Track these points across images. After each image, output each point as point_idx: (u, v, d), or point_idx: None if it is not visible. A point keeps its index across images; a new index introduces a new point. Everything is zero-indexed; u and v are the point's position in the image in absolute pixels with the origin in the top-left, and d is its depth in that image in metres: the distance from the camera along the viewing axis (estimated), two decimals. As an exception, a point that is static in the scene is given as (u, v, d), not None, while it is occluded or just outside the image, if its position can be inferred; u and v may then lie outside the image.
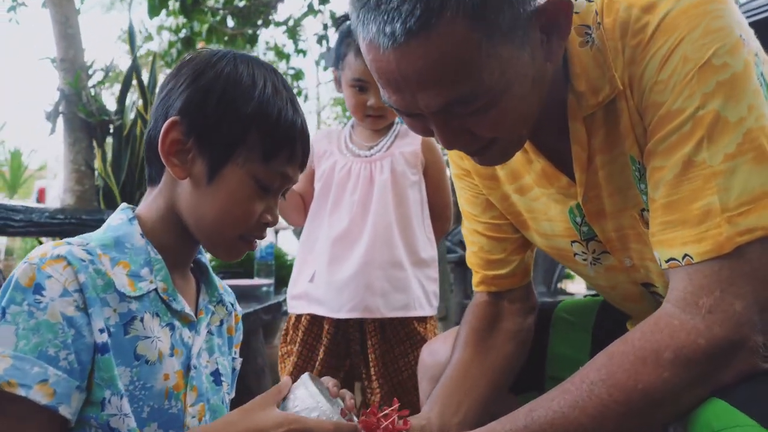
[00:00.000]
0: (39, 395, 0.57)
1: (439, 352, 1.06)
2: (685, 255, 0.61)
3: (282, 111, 0.72)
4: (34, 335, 0.58)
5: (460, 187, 0.99)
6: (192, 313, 0.76)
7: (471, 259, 1.01)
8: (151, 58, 3.71)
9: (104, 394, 0.63)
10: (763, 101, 0.62)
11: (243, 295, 2.45)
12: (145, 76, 3.16)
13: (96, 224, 2.28)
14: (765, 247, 0.59)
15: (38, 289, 0.60)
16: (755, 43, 0.66)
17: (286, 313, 3.63)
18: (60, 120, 2.77)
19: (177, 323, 0.73)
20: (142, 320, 0.68)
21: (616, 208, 0.77)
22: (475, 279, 1.01)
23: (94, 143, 2.88)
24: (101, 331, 0.63)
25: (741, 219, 0.59)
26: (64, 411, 0.59)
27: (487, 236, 0.97)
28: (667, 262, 0.64)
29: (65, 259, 0.62)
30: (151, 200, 0.76)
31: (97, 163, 2.87)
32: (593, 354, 0.99)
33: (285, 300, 2.76)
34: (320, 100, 12.68)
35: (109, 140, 2.98)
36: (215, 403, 0.78)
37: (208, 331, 0.80)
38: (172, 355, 0.71)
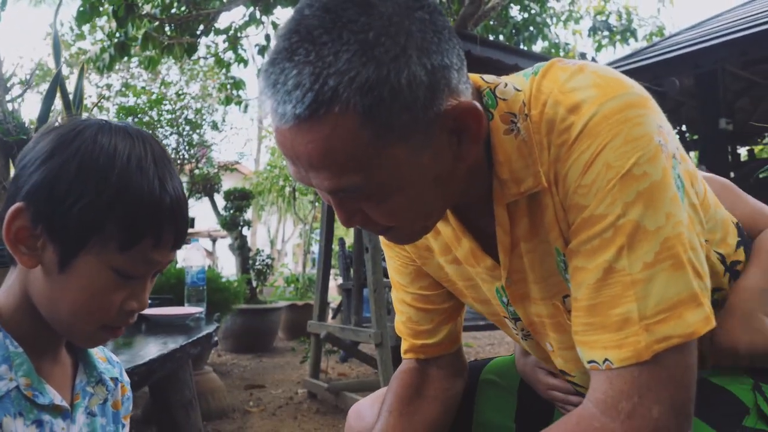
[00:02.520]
0: None
1: (366, 416, 1.02)
2: (606, 359, 0.63)
3: (145, 193, 0.65)
4: None
5: (389, 256, 0.95)
6: (64, 403, 0.68)
7: (399, 327, 0.98)
8: (82, 57, 3.53)
9: None
10: (680, 207, 0.64)
11: (170, 326, 2.34)
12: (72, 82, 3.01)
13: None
14: (680, 354, 0.61)
15: None
16: (674, 143, 0.68)
17: (216, 343, 3.53)
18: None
19: (46, 417, 0.66)
20: (0, 425, 0.61)
21: (539, 296, 0.77)
22: (404, 346, 0.98)
23: (11, 162, 2.71)
24: None
25: (658, 327, 0.60)
26: None
27: (416, 307, 0.94)
28: (588, 363, 0.65)
29: None
30: (8, 287, 0.69)
31: (12, 184, 2.70)
32: (519, 418, 0.98)
33: (217, 329, 2.67)
34: (262, 108, 12.54)
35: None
36: None
37: (88, 413, 0.73)
38: None
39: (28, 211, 0.64)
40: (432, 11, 0.62)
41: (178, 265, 3.64)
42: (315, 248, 10.16)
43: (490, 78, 0.73)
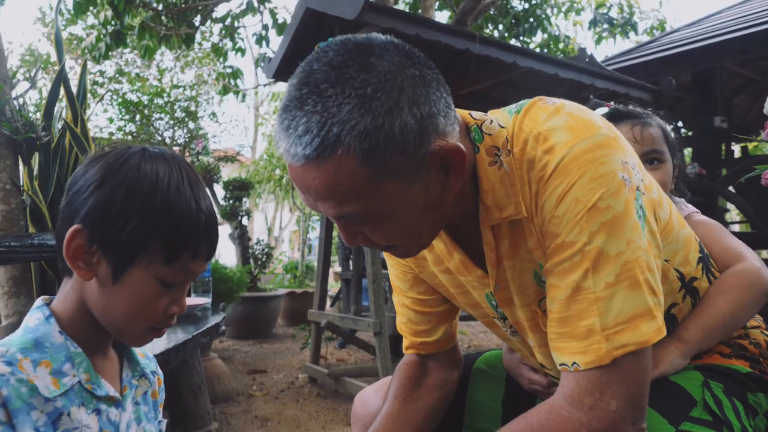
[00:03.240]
0: None
1: (371, 403, 1.14)
2: (574, 363, 0.74)
3: (184, 214, 0.75)
4: None
5: (391, 264, 1.06)
6: (116, 394, 0.80)
7: (400, 327, 1.10)
8: (75, 43, 3.57)
9: None
10: (640, 234, 0.74)
11: (180, 317, 2.44)
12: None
13: (24, 251, 2.23)
14: (636, 358, 0.72)
15: None
16: (639, 176, 0.78)
17: (224, 332, 3.64)
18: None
19: (103, 406, 0.77)
20: (69, 414, 0.72)
21: (519, 303, 0.88)
22: (405, 343, 1.10)
23: (20, 160, 2.78)
24: None
25: (617, 336, 0.71)
26: None
27: (414, 310, 1.06)
28: (560, 365, 0.77)
29: None
30: (64, 295, 0.79)
31: (23, 180, 2.78)
32: (506, 402, 1.10)
33: (224, 319, 2.78)
34: (258, 95, 12.51)
35: (36, 155, 2.88)
36: None
37: (135, 403, 0.85)
38: None
39: (85, 232, 0.74)
40: (422, 67, 0.72)
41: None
42: (312, 235, 10.25)
43: (477, 114, 0.84)
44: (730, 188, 4.66)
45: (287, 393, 3.59)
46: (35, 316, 0.77)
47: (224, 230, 6.55)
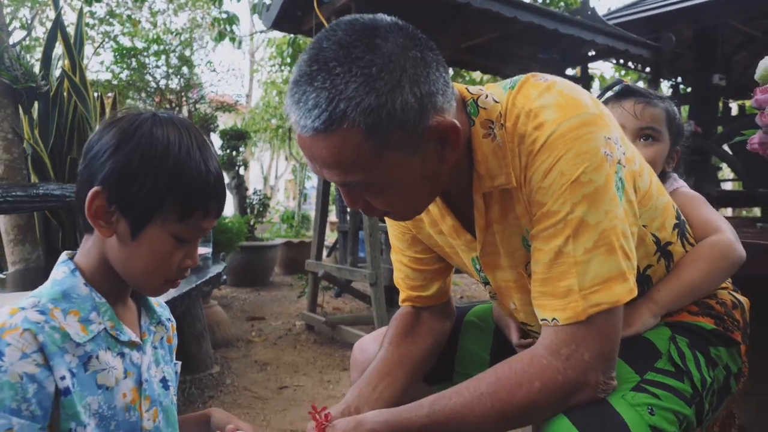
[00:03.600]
0: None
1: (368, 350, 1.22)
2: (554, 318, 0.82)
3: (194, 175, 0.81)
4: None
5: (390, 224, 1.14)
6: (137, 339, 0.88)
7: (398, 281, 1.18)
8: None
9: (70, 426, 0.75)
10: (617, 205, 0.81)
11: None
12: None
13: (30, 200, 2.27)
14: (609, 315, 0.80)
15: None
16: (621, 150, 0.85)
17: (225, 281, 3.73)
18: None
19: (126, 350, 0.85)
20: (97, 357, 0.80)
21: (507, 264, 0.96)
22: (401, 296, 1.18)
23: (20, 109, 2.80)
24: (62, 378, 0.74)
25: (592, 296, 0.80)
26: None
27: (411, 267, 1.14)
28: (541, 320, 0.85)
29: (21, 326, 0.73)
30: (86, 250, 0.86)
31: (24, 130, 2.80)
32: (493, 351, 1.19)
33: (225, 269, 2.87)
34: (254, 41, 12.25)
35: (35, 104, 2.89)
36: (166, 405, 0.92)
37: (153, 347, 0.93)
38: (125, 377, 0.84)
39: (104, 194, 0.80)
40: (423, 49, 0.78)
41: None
42: (308, 184, 10.29)
43: (474, 89, 0.89)
44: (725, 147, 4.71)
45: (285, 339, 3.73)
46: (61, 270, 0.84)
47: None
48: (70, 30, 3.30)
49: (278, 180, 14.52)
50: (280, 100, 8.41)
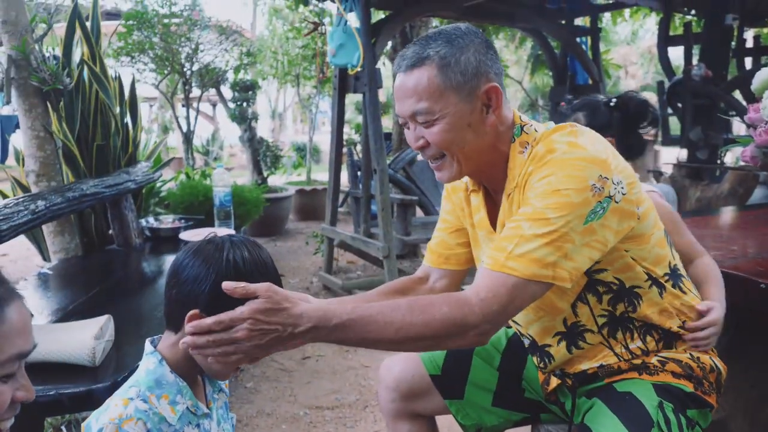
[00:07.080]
0: None
1: (394, 369, 1.42)
2: (487, 262, 1.03)
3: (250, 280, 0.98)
4: None
5: (445, 200, 1.38)
6: (207, 410, 1.13)
7: (431, 244, 1.40)
8: None
9: None
10: (583, 222, 0.99)
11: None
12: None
13: (68, 205, 2.47)
14: (524, 286, 0.98)
15: None
16: (620, 191, 1.03)
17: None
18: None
19: (201, 421, 1.11)
20: None
21: None
22: (426, 257, 1.39)
23: (49, 106, 2.94)
24: None
25: (512, 261, 0.99)
26: None
27: (448, 232, 1.37)
28: (483, 263, 1.06)
29: (135, 416, 0.96)
30: (171, 343, 1.06)
31: (53, 126, 2.96)
32: (501, 367, 1.42)
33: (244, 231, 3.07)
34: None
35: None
36: None
37: (216, 410, 1.18)
38: None
39: (203, 314, 0.98)
40: (487, 45, 1.11)
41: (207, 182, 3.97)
42: (319, 116, 10.20)
43: (525, 118, 1.17)
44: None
45: (304, 299, 4.01)
46: (151, 361, 1.05)
47: (235, 131, 6.70)
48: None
49: (285, 112, 14.47)
50: (284, 28, 8.22)
